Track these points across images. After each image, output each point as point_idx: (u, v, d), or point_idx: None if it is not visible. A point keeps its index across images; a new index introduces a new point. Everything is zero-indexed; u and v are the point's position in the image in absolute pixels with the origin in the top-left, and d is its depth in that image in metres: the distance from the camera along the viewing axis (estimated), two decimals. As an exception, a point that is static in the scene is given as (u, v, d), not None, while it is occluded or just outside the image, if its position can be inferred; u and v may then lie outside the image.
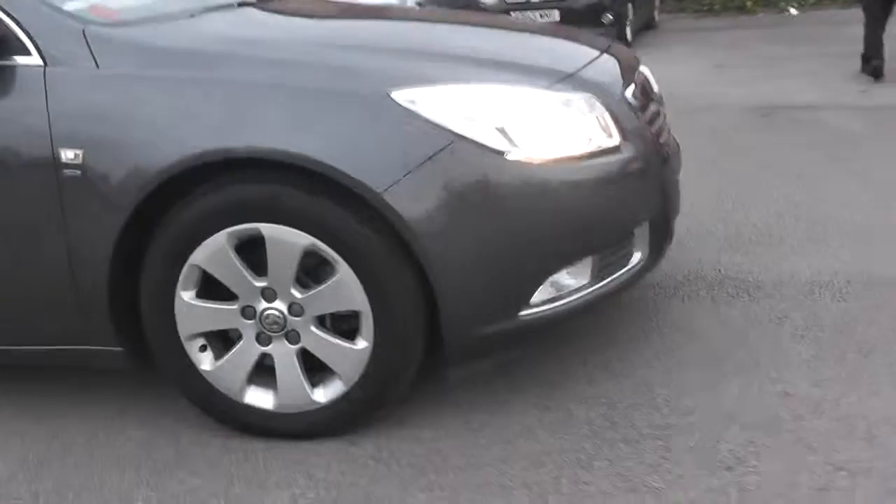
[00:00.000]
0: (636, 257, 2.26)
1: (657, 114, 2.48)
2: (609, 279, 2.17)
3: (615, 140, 2.12)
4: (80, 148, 1.94)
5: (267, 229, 1.92)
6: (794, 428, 2.04)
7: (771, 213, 3.53)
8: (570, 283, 2.10)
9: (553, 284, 2.06)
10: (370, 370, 2.00)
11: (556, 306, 2.07)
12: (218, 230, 1.94)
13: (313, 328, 2.00)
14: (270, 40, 2.23)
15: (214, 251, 1.96)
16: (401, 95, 1.90)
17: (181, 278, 2.00)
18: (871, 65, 6.12)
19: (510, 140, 1.93)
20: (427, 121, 1.88)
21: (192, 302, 2.02)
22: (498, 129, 1.92)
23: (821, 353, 2.38)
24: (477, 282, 1.94)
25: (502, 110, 1.95)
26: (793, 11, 11.56)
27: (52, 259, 2.02)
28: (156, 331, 2.07)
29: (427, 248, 1.88)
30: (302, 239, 1.91)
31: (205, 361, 2.08)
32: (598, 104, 2.10)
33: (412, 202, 1.87)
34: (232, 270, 1.98)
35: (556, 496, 1.85)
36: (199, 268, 1.99)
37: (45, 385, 2.44)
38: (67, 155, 1.95)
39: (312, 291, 1.97)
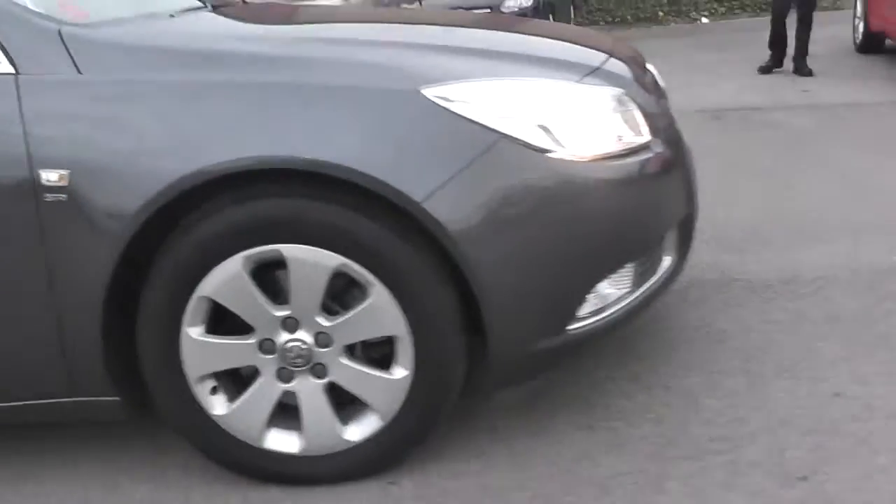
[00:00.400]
0: (667, 262, 2.13)
1: (668, 110, 2.38)
2: (646, 286, 2.03)
3: (645, 136, 1.99)
4: (64, 168, 1.68)
5: (290, 251, 1.69)
6: (855, 430, 1.94)
7: (753, 211, 3.48)
8: (612, 292, 1.95)
9: (597, 295, 1.90)
10: (410, 401, 1.79)
11: (602, 318, 1.90)
12: (231, 254, 1.70)
13: (343, 359, 1.78)
14: (279, 36, 1.99)
15: (227, 279, 1.71)
16: (432, 92, 1.71)
17: (187, 313, 1.74)
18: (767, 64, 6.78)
19: (553, 138, 1.76)
20: (464, 119, 1.70)
21: (202, 339, 1.77)
22: (540, 126, 1.76)
23: (851, 348, 2.30)
24: (526, 295, 1.76)
25: (542, 106, 1.78)
26: (704, 20, 11.91)
27: (33, 301, 1.74)
28: (158, 375, 1.80)
29: (473, 261, 1.69)
30: (331, 260, 1.69)
31: (217, 405, 1.82)
32: (628, 99, 1.97)
33: (456, 211, 1.67)
34: (248, 300, 1.74)
35: (637, 526, 1.68)
36: (209, 299, 1.75)
37: (24, 443, 2.13)
38: (49, 177, 1.68)
39: (342, 318, 1.75)
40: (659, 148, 2.01)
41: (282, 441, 1.84)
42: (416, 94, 1.70)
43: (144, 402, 1.91)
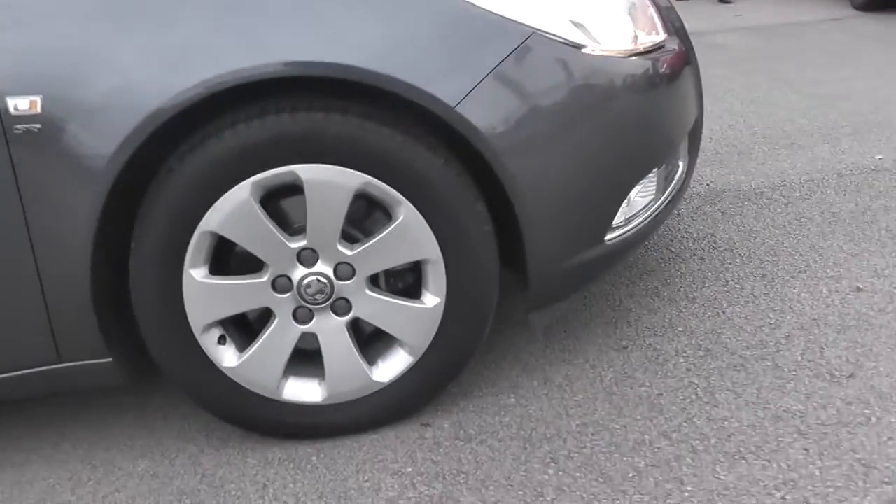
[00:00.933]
0: (681, 167, 2.01)
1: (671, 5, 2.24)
2: (668, 192, 1.91)
3: (662, 34, 1.84)
4: (35, 94, 1.42)
5: (306, 171, 1.48)
6: (885, 321, 1.89)
7: (723, 126, 3.41)
8: (639, 200, 1.82)
9: (628, 203, 1.77)
10: (443, 332, 1.62)
11: (634, 226, 1.77)
12: (238, 181, 1.48)
13: (368, 291, 1.60)
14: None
15: (234, 209, 1.48)
16: (454, -16, 1.51)
17: (189, 252, 1.51)
18: None
19: (586, 32, 1.60)
20: (491, 13, 1.50)
21: (207, 281, 1.54)
22: (572, 21, 1.59)
23: (859, 245, 2.25)
24: (565, 204, 1.60)
25: (571, 0, 1.62)
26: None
27: (6, 254, 1.48)
28: (157, 328, 1.57)
29: (511, 169, 1.51)
30: (353, 178, 1.49)
31: (227, 356, 1.61)
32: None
33: (491, 114, 1.48)
34: (258, 232, 1.52)
35: (704, 441, 1.57)
36: (212, 234, 1.52)
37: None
38: (19, 105, 1.41)
39: (366, 245, 1.55)
40: (674, 45, 1.87)
41: (302, 390, 1.65)
42: (435, -12, 1.50)
43: (137, 365, 1.68)
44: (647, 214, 1.82)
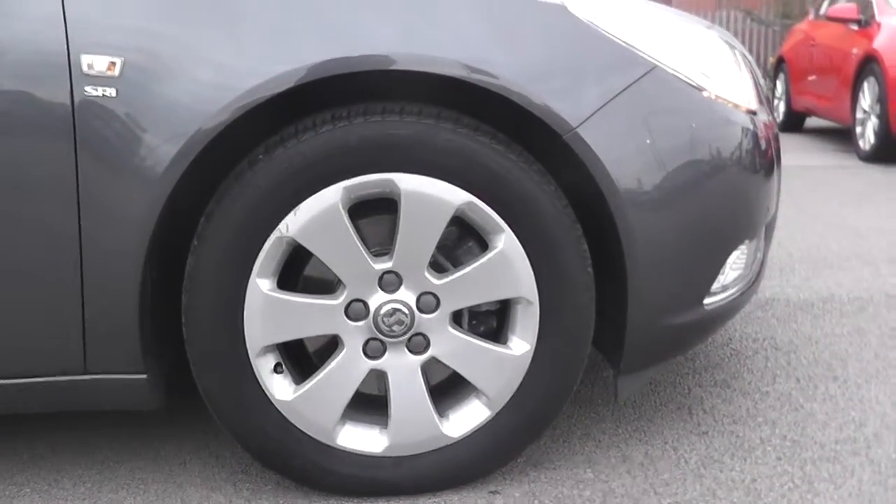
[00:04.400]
0: (759, 254, 1.90)
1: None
2: (756, 271, 1.80)
3: (755, 103, 1.78)
4: (117, 54, 1.28)
5: (406, 182, 1.34)
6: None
7: (752, 243, 3.36)
8: (732, 272, 1.69)
9: (723, 271, 1.65)
10: (528, 384, 1.44)
11: (729, 296, 1.64)
12: (329, 184, 1.33)
13: (451, 328, 1.43)
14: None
15: (319, 215, 1.33)
16: (579, 8, 1.44)
17: (260, 258, 1.35)
18: None
19: (705, 75, 1.52)
20: (618, 41, 1.43)
21: (274, 295, 1.37)
22: (691, 59, 1.52)
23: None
24: (675, 254, 1.47)
25: (689, 39, 1.55)
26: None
27: (48, 240, 1.30)
28: (207, 342, 1.37)
29: (628, 210, 1.40)
30: (455, 196, 1.35)
31: (281, 387, 1.41)
32: (747, 62, 1.77)
33: (611, 143, 1.38)
34: (341, 245, 1.36)
35: (819, 531, 1.38)
36: (290, 243, 1.36)
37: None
38: (95, 64, 1.27)
39: (456, 274, 1.40)
40: (766, 117, 1.81)
41: (360, 438, 1.44)
42: (562, 9, 1.42)
43: (169, 387, 1.48)
44: (738, 287, 1.69)
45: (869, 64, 5.77)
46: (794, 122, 7.55)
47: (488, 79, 1.34)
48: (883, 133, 5.48)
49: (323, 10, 1.33)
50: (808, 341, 2.27)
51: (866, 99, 5.77)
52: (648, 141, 1.42)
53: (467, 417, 1.46)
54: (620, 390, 1.55)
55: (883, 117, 5.46)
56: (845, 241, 3.42)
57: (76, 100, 1.27)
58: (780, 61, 7.94)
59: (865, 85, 5.80)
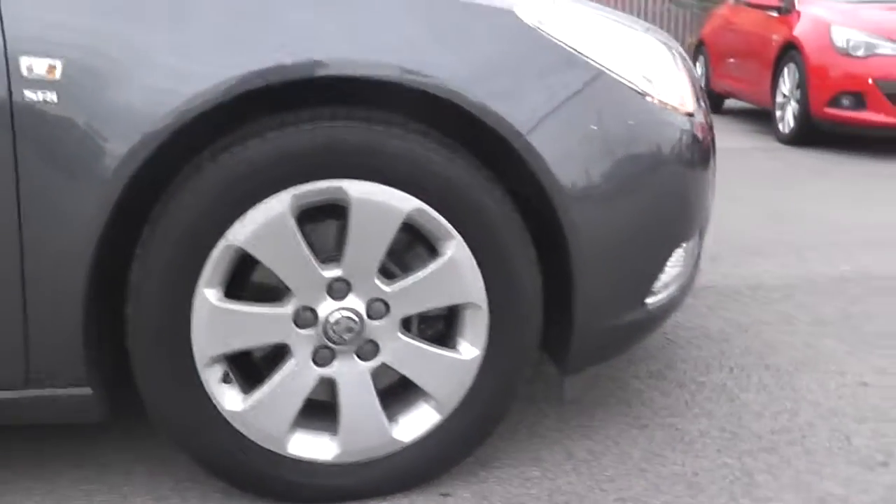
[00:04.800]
0: (696, 252, 1.95)
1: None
2: (692, 270, 1.84)
3: (693, 105, 1.82)
4: (57, 56, 1.23)
5: (356, 189, 1.33)
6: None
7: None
8: (671, 270, 1.73)
9: (664, 270, 1.68)
10: (477, 388, 1.45)
11: (668, 295, 1.68)
12: (277, 191, 1.31)
13: (400, 335, 1.42)
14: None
15: (267, 223, 1.30)
16: (527, 13, 1.44)
17: (208, 268, 1.31)
18: None
19: (647, 79, 1.54)
20: (564, 45, 1.44)
21: (222, 305, 1.34)
22: (634, 64, 1.53)
23: (853, 345, 2.22)
24: (619, 257, 1.49)
25: (632, 44, 1.57)
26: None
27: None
28: (153, 353, 1.33)
29: (573, 212, 1.41)
30: (405, 203, 1.34)
31: (230, 398, 1.39)
32: (683, 63, 1.80)
33: (558, 149, 1.39)
34: (289, 253, 1.33)
35: (758, 522, 1.44)
36: (237, 251, 1.33)
37: None
38: (35, 67, 1.22)
39: (406, 281, 1.39)
40: (703, 119, 1.85)
41: (310, 445, 1.43)
42: (509, 13, 1.42)
43: (114, 399, 1.43)
44: (677, 285, 1.73)
45: (789, 51, 5.96)
46: (713, 104, 7.74)
47: (425, 80, 1.33)
48: (803, 117, 5.68)
49: (266, 12, 1.29)
50: (739, 329, 2.35)
51: (786, 84, 5.97)
52: (593, 145, 1.44)
53: (417, 421, 1.46)
54: (566, 389, 1.58)
55: (803, 102, 5.65)
56: (769, 227, 3.54)
57: (15, 104, 1.21)
58: (700, 44, 8.13)
59: (786, 70, 5.99)
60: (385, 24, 1.34)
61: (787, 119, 5.94)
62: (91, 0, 1.25)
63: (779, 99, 6.06)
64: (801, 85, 5.68)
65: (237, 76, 1.25)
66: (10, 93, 1.21)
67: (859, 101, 5.32)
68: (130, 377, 1.38)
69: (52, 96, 1.22)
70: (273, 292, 1.39)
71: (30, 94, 1.22)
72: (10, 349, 1.29)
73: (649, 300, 1.61)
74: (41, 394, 1.33)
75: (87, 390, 1.34)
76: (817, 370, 2.08)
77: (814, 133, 5.69)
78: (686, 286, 1.80)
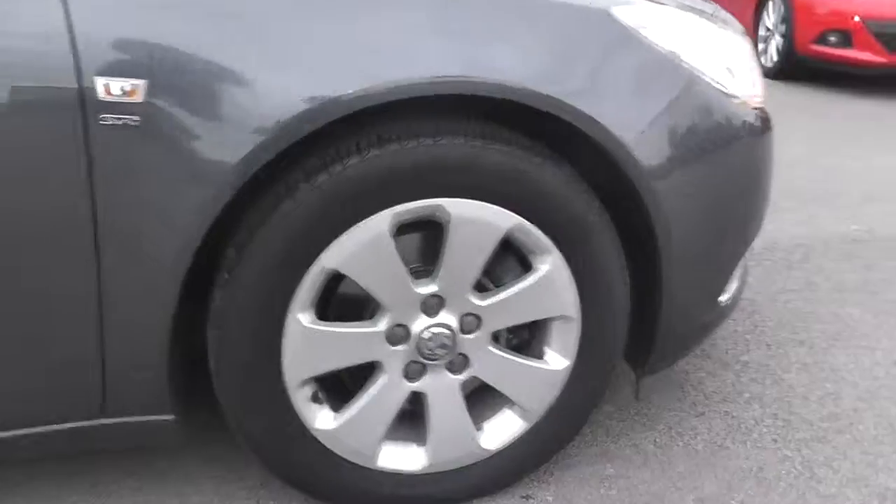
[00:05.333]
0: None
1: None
2: (747, 264, 1.84)
3: (762, 97, 1.77)
4: (138, 76, 1.12)
5: (456, 207, 1.27)
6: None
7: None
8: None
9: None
10: (564, 397, 1.45)
11: (736, 289, 1.69)
12: (377, 210, 1.24)
13: (491, 347, 1.40)
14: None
15: (366, 244, 1.25)
16: (626, 14, 1.36)
17: (300, 291, 1.26)
18: None
19: (731, 78, 1.49)
20: (659, 50, 1.37)
21: (314, 327, 1.29)
22: (721, 64, 1.48)
23: (877, 316, 2.27)
24: (704, 260, 1.48)
25: (719, 42, 1.50)
26: None
27: (61, 280, 1.16)
28: (241, 378, 1.29)
29: (669, 221, 1.38)
30: (505, 220, 1.29)
31: (321, 417, 1.36)
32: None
33: (657, 159, 1.35)
34: (387, 272, 1.28)
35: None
36: (331, 273, 1.27)
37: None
38: (111, 87, 1.11)
39: (500, 295, 1.36)
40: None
41: (400, 457, 1.41)
42: (606, 15, 1.35)
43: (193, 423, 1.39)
44: (739, 281, 1.74)
45: (775, -17, 5.89)
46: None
47: (531, 92, 1.25)
48: (786, 52, 5.66)
49: (375, 34, 1.20)
50: (768, 299, 2.38)
51: (770, 17, 5.92)
52: (686, 149, 1.40)
53: (502, 429, 1.46)
54: (640, 389, 1.58)
55: (787, 36, 5.63)
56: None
57: (90, 130, 1.11)
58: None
59: (770, 4, 5.93)
60: (493, 35, 1.26)
61: (771, 53, 5.92)
62: (179, 8, 1.14)
63: (762, 32, 6.03)
64: (787, 20, 5.64)
65: (353, 94, 1.17)
66: (86, 117, 1.11)
67: (846, 39, 5.31)
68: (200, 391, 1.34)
69: (133, 120, 1.12)
70: (362, 309, 1.34)
71: (108, 119, 1.12)
72: (88, 380, 1.23)
73: (721, 298, 1.61)
74: (121, 422, 1.28)
75: (170, 417, 1.30)
76: (849, 346, 2.13)
77: (798, 68, 5.69)
78: (745, 280, 1.80)
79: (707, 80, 1.43)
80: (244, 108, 1.15)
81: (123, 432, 1.30)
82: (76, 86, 1.09)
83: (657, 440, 1.70)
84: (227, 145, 1.15)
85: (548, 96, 1.25)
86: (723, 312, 1.63)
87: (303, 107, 1.15)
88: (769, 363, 2.03)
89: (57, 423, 1.27)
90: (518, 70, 1.25)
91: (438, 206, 1.27)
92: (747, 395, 1.89)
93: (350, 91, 1.17)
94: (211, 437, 1.60)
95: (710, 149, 1.42)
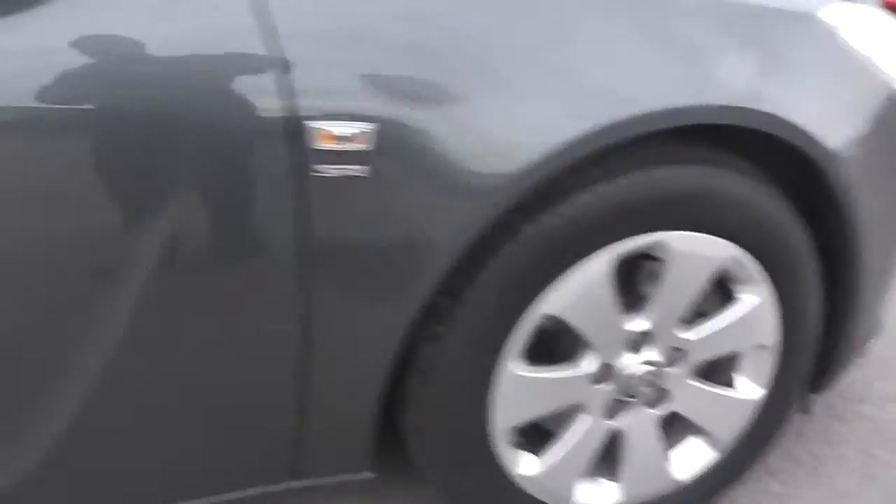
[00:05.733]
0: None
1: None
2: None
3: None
4: (366, 119, 0.98)
5: (677, 241, 1.19)
6: None
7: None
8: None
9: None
10: (755, 426, 1.39)
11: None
12: (597, 249, 1.15)
13: (690, 380, 1.33)
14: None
15: (587, 285, 1.15)
16: (830, 17, 1.27)
17: (513, 339, 1.16)
18: None
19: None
20: (858, 56, 1.29)
21: (525, 375, 1.20)
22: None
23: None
24: (884, 279, 1.43)
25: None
26: None
27: (256, 346, 1.05)
28: (447, 430, 1.21)
29: (867, 247, 1.32)
30: (723, 251, 1.22)
31: (525, 463, 1.28)
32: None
33: (860, 172, 1.27)
34: (602, 313, 1.19)
35: None
36: (549, 319, 1.18)
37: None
38: (333, 131, 0.97)
39: (709, 328, 1.28)
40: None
41: (595, 494, 1.35)
42: (812, 19, 1.25)
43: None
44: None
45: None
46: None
47: (758, 115, 1.17)
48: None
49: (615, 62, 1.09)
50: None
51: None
52: (884, 164, 1.34)
53: (690, 458, 1.40)
54: (811, 405, 1.54)
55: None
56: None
57: (308, 184, 0.98)
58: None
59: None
60: (708, 56, 1.16)
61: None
62: (414, 38, 1.01)
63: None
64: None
65: (597, 128, 1.07)
66: (301, 170, 0.97)
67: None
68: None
69: (360, 171, 1.00)
70: (564, 351, 1.26)
71: (328, 170, 0.99)
72: (282, 444, 1.13)
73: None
74: (320, 482, 1.19)
75: (369, 475, 1.21)
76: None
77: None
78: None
79: (899, 87, 1.36)
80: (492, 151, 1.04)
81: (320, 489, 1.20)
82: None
83: (811, 450, 1.66)
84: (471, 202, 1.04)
85: (778, 120, 1.17)
86: (880, 323, 1.59)
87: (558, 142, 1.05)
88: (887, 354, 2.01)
89: (241, 489, 1.17)
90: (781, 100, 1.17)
91: (658, 241, 1.18)
92: (879, 393, 1.86)
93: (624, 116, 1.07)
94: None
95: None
